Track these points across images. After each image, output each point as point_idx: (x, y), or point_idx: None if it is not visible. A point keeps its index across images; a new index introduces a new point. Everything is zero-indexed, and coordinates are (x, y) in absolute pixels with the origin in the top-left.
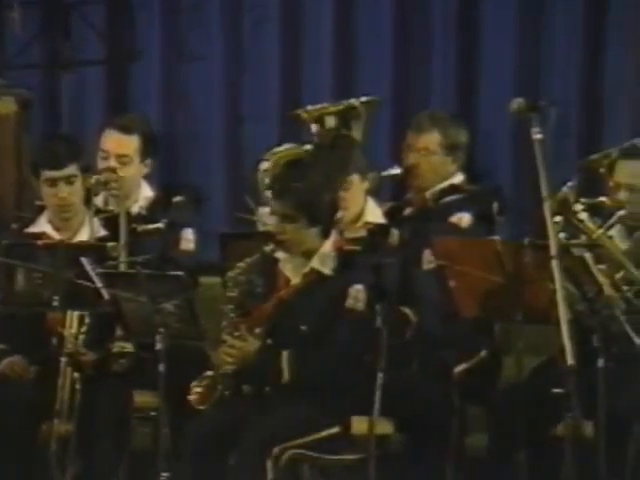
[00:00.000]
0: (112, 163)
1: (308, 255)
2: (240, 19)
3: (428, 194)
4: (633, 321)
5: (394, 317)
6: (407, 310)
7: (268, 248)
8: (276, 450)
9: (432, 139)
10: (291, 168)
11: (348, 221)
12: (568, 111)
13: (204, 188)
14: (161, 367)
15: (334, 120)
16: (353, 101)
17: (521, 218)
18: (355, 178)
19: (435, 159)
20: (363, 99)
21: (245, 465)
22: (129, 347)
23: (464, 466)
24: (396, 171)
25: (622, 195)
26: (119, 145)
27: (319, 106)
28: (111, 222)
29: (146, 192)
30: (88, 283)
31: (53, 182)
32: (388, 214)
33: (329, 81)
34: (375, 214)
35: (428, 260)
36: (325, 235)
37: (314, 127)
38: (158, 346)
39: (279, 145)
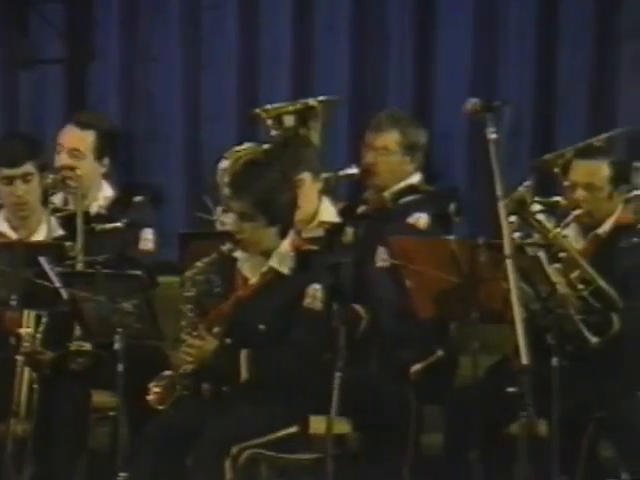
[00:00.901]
0: (64, 157)
1: (266, 254)
2: (198, 19)
3: (386, 194)
4: (587, 320)
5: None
6: (358, 307)
7: (226, 247)
8: (234, 450)
9: (391, 138)
10: (249, 167)
11: (299, 220)
12: (522, 111)
13: (163, 188)
14: (120, 367)
15: (292, 119)
16: (311, 101)
17: (476, 218)
18: (307, 177)
19: (393, 159)
20: (321, 98)
21: (203, 465)
22: (87, 346)
23: (420, 465)
24: (353, 171)
25: (578, 194)
26: (72, 139)
27: (277, 105)
28: (69, 221)
29: (106, 192)
30: (46, 282)
31: (10, 180)
32: (342, 212)
33: (287, 81)
34: (330, 213)
35: (382, 258)
36: (283, 235)
37: (272, 126)
38: (117, 346)
39: (238, 144)
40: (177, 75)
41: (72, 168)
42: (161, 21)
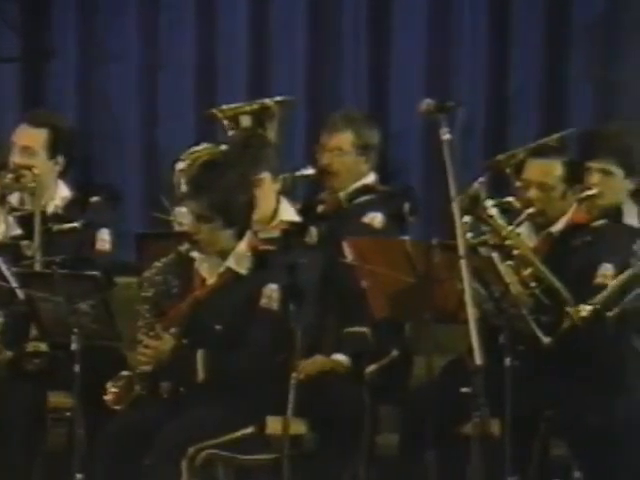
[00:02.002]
0: (17, 156)
1: (223, 255)
2: (156, 19)
3: (342, 194)
4: (540, 320)
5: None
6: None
7: (183, 248)
8: (191, 450)
9: (345, 139)
10: (206, 168)
11: (258, 219)
12: (475, 111)
13: (120, 188)
14: (76, 367)
15: (249, 119)
16: (267, 101)
17: (431, 218)
18: (266, 176)
19: (348, 159)
20: (277, 99)
21: (160, 465)
22: (43, 347)
23: (376, 465)
24: (310, 171)
25: (531, 193)
26: (24, 137)
27: (234, 105)
28: (26, 221)
29: (63, 191)
30: (2, 283)
31: None
32: (302, 212)
33: (244, 81)
34: (290, 213)
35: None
36: (240, 236)
37: (229, 127)
38: (73, 346)
39: (195, 145)
40: (134, 75)
41: (28, 167)
42: (118, 21)
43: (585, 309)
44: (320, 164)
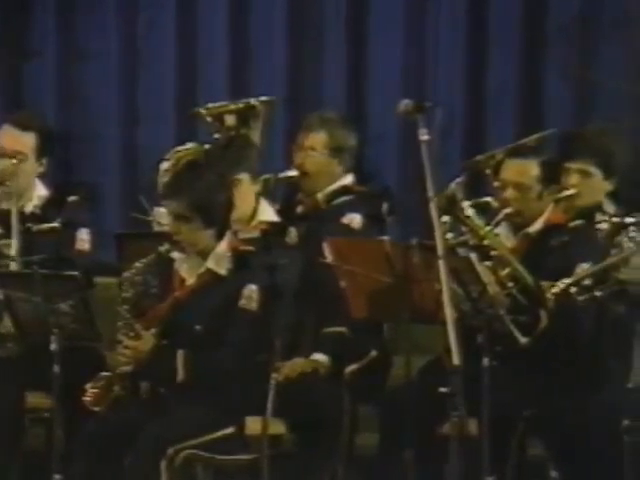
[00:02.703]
0: (8, 160)
1: (203, 255)
2: (135, 18)
3: (320, 195)
4: (517, 320)
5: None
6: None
7: (163, 248)
8: (170, 451)
9: (318, 139)
10: (186, 169)
11: (237, 220)
12: (453, 112)
13: (100, 188)
14: (56, 368)
15: (233, 119)
16: (252, 100)
17: (409, 218)
18: (244, 177)
19: (320, 159)
20: (262, 99)
21: (139, 466)
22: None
23: (355, 465)
24: (293, 173)
25: (508, 193)
26: (15, 142)
27: (219, 104)
28: (4, 220)
29: (40, 191)
30: None
31: None
32: (281, 213)
33: (224, 81)
34: (269, 213)
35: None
36: (220, 236)
37: (213, 125)
38: (53, 347)
39: (175, 145)
40: (114, 74)
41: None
42: (97, 20)
43: (558, 286)
44: (294, 163)
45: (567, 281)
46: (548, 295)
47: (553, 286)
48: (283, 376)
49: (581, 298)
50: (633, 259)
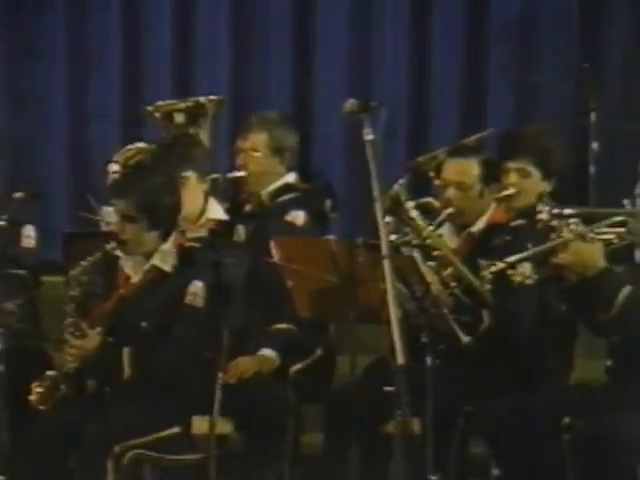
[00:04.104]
0: None
1: (148, 256)
2: (84, 19)
3: (264, 193)
4: (460, 319)
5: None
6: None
7: (110, 246)
8: (117, 450)
9: (259, 140)
10: (135, 169)
11: (184, 217)
12: (397, 111)
13: (47, 186)
14: (1, 367)
15: (183, 117)
16: (201, 99)
17: (354, 218)
18: (191, 175)
19: (261, 160)
20: (211, 97)
21: (86, 465)
22: None
23: (300, 464)
24: (242, 173)
25: (450, 193)
26: None
27: (169, 102)
28: None
29: None
30: None
31: None
32: (229, 211)
33: (170, 80)
34: (217, 212)
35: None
36: (166, 237)
37: (162, 124)
38: None
39: (123, 144)
40: (62, 75)
41: None
42: (46, 21)
43: (497, 265)
44: (237, 164)
45: (509, 260)
46: (486, 273)
47: (492, 265)
48: (234, 379)
49: (517, 279)
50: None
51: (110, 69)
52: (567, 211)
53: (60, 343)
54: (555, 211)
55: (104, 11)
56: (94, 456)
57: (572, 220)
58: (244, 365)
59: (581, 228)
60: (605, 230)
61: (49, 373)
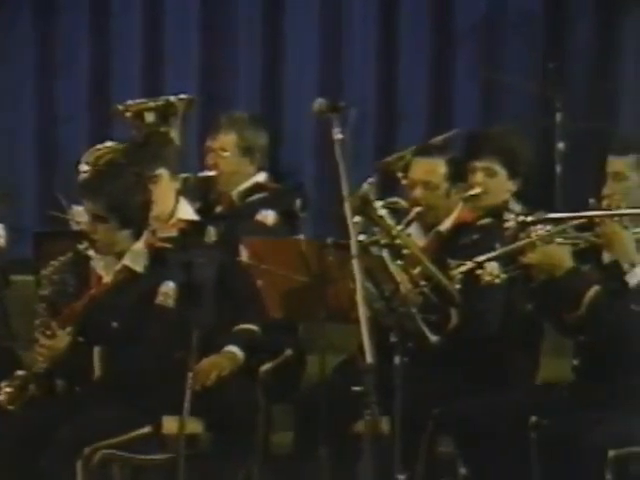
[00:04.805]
0: None
1: (120, 256)
2: (52, 20)
3: (234, 193)
4: (428, 318)
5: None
6: None
7: (81, 246)
8: (87, 450)
9: (228, 140)
10: (105, 168)
11: (156, 217)
12: (366, 111)
13: (17, 186)
14: None
15: (153, 116)
16: (171, 98)
17: (324, 217)
18: (163, 173)
19: (231, 160)
20: (181, 96)
21: (55, 466)
22: None
23: (270, 463)
24: (212, 173)
25: (417, 192)
26: None
27: (139, 101)
28: None
29: None
30: None
31: None
32: (200, 212)
33: (138, 80)
34: (188, 212)
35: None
36: (137, 236)
37: (133, 123)
38: None
39: (91, 143)
40: (31, 76)
41: None
42: (15, 22)
43: (466, 264)
44: (207, 164)
45: (478, 259)
46: (455, 273)
47: (461, 265)
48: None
49: (486, 279)
50: None
51: (79, 70)
52: (533, 218)
53: (30, 343)
54: (522, 218)
55: (73, 12)
56: (64, 457)
57: (540, 226)
58: (210, 367)
59: (548, 229)
60: (573, 234)
61: (18, 373)
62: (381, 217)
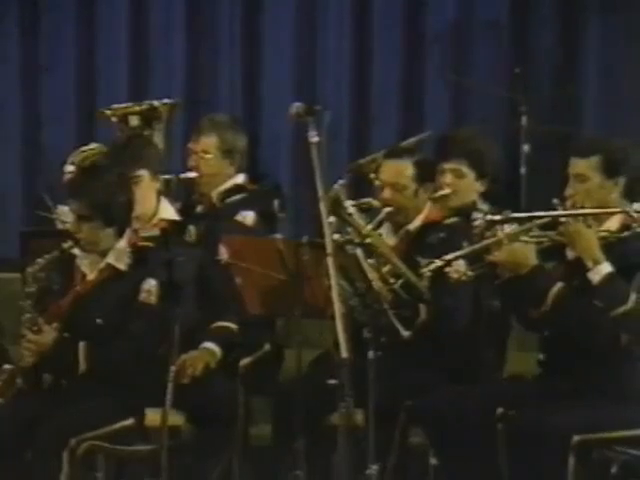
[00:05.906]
0: None
1: (104, 254)
2: (38, 21)
3: (214, 194)
4: (400, 314)
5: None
6: None
7: (66, 245)
8: (73, 442)
9: (209, 142)
10: (88, 169)
11: (137, 216)
12: (340, 114)
13: (3, 187)
14: None
15: (137, 119)
16: (155, 102)
17: (301, 217)
18: (144, 174)
19: (212, 162)
20: (165, 101)
21: (41, 457)
22: None
23: (249, 454)
24: (194, 174)
25: (386, 193)
26: None
27: (124, 105)
28: None
29: None
30: None
31: None
32: (181, 212)
33: (123, 83)
34: (169, 212)
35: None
36: (120, 234)
37: (118, 126)
38: None
39: (77, 145)
40: (17, 77)
41: None
42: (1, 23)
43: (435, 263)
44: (189, 166)
45: (446, 258)
46: (425, 271)
47: (430, 263)
48: (188, 379)
49: (454, 276)
50: None
51: (65, 71)
52: (500, 217)
53: (17, 338)
54: (489, 217)
55: (57, 13)
56: (50, 449)
57: (507, 226)
58: (191, 363)
59: (514, 228)
60: (537, 233)
61: (6, 367)
62: (352, 216)
